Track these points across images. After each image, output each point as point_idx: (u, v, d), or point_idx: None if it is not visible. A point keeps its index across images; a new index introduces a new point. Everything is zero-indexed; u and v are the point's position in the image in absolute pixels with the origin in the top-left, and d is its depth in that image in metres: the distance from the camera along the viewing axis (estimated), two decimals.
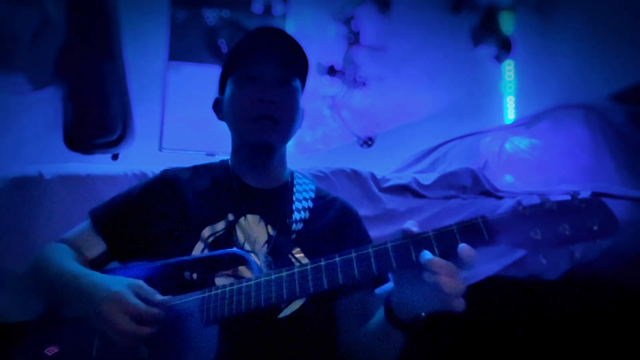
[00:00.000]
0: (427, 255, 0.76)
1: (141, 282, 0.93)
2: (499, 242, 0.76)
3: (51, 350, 0.96)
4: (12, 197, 1.43)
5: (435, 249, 0.77)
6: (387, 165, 2.38)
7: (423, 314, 0.84)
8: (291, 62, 1.17)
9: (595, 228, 0.72)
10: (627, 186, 1.75)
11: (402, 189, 1.76)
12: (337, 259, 0.83)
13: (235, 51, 1.18)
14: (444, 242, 0.77)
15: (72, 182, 1.49)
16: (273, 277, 0.87)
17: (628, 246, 1.49)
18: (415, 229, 0.80)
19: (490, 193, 1.82)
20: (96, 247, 1.12)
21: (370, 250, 0.82)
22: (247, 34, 1.18)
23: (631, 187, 1.73)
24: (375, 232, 1.27)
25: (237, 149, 1.21)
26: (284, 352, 1.00)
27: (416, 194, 1.75)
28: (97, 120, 2.25)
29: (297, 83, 1.19)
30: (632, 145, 1.96)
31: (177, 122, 2.85)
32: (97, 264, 1.11)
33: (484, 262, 1.55)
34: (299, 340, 1.02)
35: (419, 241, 0.79)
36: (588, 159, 1.95)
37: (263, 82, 1.13)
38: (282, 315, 1.02)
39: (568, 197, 0.75)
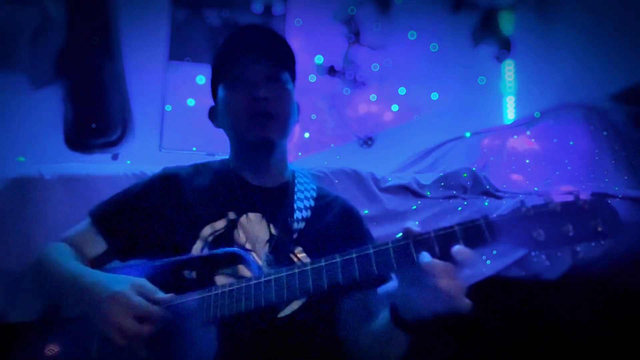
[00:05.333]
0: (425, 258, 0.76)
1: (143, 281, 0.92)
2: (502, 243, 0.75)
3: (51, 350, 0.96)
4: (12, 197, 1.43)
5: (437, 249, 0.77)
6: (387, 165, 2.38)
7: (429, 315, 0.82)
8: (277, 56, 1.17)
9: (599, 229, 0.71)
10: (627, 186, 1.75)
11: (402, 189, 1.76)
12: (337, 259, 0.83)
13: (221, 56, 1.18)
14: (446, 242, 0.77)
15: (72, 182, 1.48)
16: (273, 277, 0.86)
17: (628, 246, 1.49)
18: (416, 229, 0.80)
19: (490, 193, 1.82)
20: (96, 245, 1.12)
21: (371, 250, 0.81)
22: (228, 37, 1.18)
23: (631, 187, 1.73)
24: (376, 232, 1.27)
25: (237, 150, 1.21)
26: (284, 351, 1.00)
27: (416, 194, 1.75)
28: (97, 120, 2.25)
29: (287, 77, 1.18)
30: (632, 145, 1.96)
31: (177, 122, 2.85)
32: (98, 263, 1.10)
33: (485, 262, 1.55)
34: (299, 339, 1.02)
35: (420, 242, 0.78)
36: (588, 158, 1.94)
37: (253, 81, 1.13)
38: (282, 314, 1.02)
39: (571, 198, 0.74)
